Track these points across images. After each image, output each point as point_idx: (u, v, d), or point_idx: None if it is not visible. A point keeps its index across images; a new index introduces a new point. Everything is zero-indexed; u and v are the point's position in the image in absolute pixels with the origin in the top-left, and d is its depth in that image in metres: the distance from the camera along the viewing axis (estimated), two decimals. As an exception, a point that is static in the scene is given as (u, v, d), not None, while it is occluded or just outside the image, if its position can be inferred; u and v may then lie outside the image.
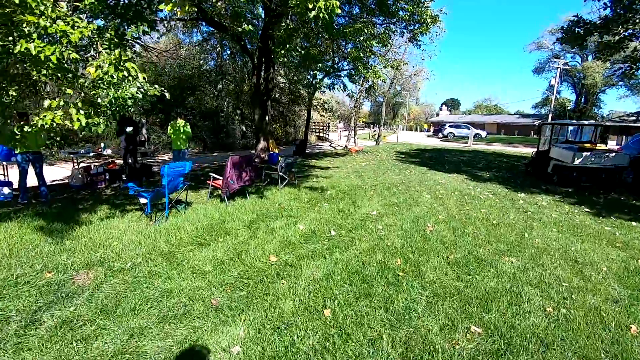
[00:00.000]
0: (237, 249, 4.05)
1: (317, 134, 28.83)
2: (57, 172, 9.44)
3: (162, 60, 20.24)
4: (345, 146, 18.83)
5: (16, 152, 6.00)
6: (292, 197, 6.74)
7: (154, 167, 9.70)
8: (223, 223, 4.95)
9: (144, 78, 3.79)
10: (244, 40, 8.29)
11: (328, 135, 27.08)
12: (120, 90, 3.85)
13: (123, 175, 7.98)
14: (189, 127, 9.61)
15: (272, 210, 5.81)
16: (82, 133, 3.78)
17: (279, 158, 12.37)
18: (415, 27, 9.63)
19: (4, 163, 6.59)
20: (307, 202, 6.45)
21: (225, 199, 5.95)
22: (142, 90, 4.09)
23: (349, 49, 6.74)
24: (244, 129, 22.50)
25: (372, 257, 3.91)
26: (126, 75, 3.40)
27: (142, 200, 4.98)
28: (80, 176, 7.48)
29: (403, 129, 50.26)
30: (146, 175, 8.51)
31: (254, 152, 12.79)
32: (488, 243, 4.52)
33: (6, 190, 6.45)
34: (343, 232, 4.81)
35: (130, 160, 7.82)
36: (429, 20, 8.86)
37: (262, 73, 11.53)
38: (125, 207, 5.71)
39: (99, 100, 3.80)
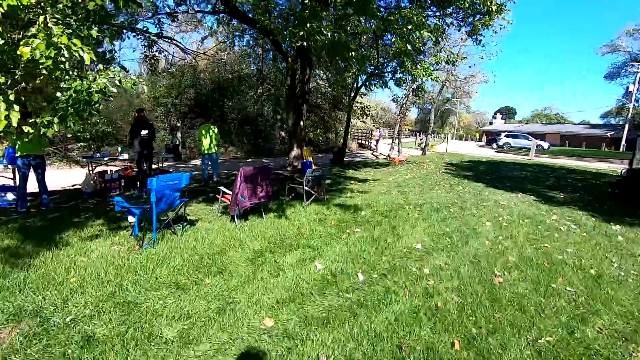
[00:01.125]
0: (224, 299, 2.95)
1: (359, 142, 27.52)
2: (75, 176, 9.09)
3: (202, 64, 20.22)
4: (388, 155, 17.37)
5: (16, 155, 5.46)
6: (318, 218, 5.56)
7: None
8: (221, 254, 3.89)
9: (103, 66, 2.84)
10: (273, 36, 7.31)
11: (370, 143, 25.66)
12: (85, 81, 2.96)
13: (138, 183, 7.32)
14: (217, 130, 8.96)
15: (289, 235, 4.67)
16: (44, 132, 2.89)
17: (312, 167, 11.32)
18: (476, 19, 8.11)
19: (11, 166, 6.14)
20: (335, 225, 5.24)
21: (235, 218, 4.92)
22: (116, 82, 3.18)
23: (393, 40, 5.51)
24: (284, 134, 21.81)
25: (414, 331, 2.61)
26: (66, 56, 2.44)
27: (130, 219, 4.08)
28: (92, 182, 6.91)
29: (452, 138, 47.33)
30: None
31: (287, 159, 11.83)
32: (594, 313, 3.00)
33: (10, 196, 5.96)
34: (375, 277, 3.53)
35: (144, 167, 7.14)
36: (493, 8, 7.32)
37: (298, 74, 10.56)
38: (121, 222, 4.89)
39: (58, 93, 2.93)
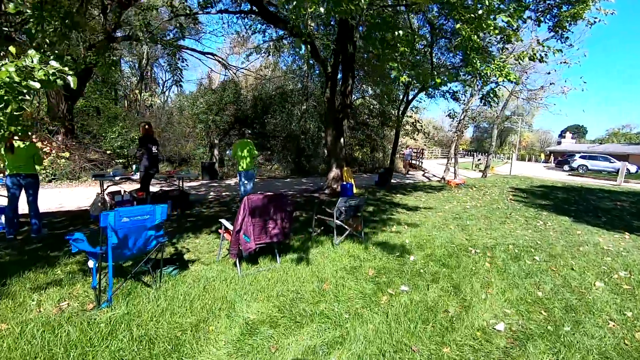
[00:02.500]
0: None
1: (409, 161, 25.58)
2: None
3: (246, 80, 19.98)
4: (443, 178, 15.41)
5: (6, 173, 4.78)
6: (349, 265, 4.14)
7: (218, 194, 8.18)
8: (193, 329, 2.64)
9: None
10: (308, 38, 6.20)
11: (422, 162, 23.65)
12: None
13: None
14: (252, 146, 8.10)
15: (306, 293, 3.32)
16: None
17: (354, 190, 9.92)
18: (564, 9, 6.38)
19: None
20: (372, 280, 3.78)
21: (237, 263, 3.68)
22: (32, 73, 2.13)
23: (457, 28, 4.08)
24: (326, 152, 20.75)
25: None
26: None
27: (90, 264, 3.00)
28: (100, 204, 6.15)
29: (514, 159, 43.30)
30: (181, 206, 6.89)
31: (324, 180, 10.58)
32: None
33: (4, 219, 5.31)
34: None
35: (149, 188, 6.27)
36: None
37: (339, 86, 9.40)
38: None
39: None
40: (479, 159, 30.61)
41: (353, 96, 10.83)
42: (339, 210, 4.84)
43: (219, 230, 4.28)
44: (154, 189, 8.14)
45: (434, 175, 18.66)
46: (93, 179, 6.67)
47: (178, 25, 7.85)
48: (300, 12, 4.00)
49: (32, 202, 4.93)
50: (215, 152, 14.17)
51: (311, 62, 19.96)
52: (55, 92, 11.48)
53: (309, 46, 8.07)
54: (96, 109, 16.53)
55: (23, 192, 4.88)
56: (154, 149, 5.95)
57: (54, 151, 11.00)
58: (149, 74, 28.06)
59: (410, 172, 20.85)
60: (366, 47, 11.01)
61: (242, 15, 8.52)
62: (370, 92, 19.22)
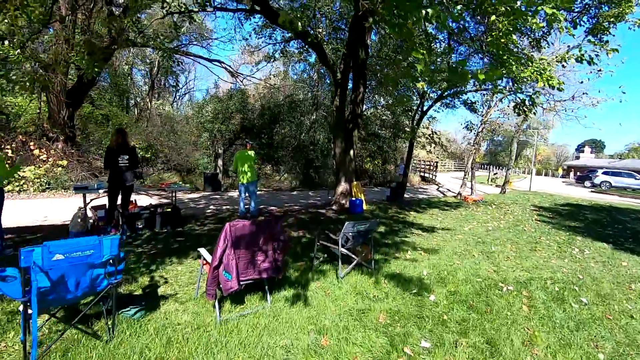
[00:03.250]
0: None
1: (421, 174, 24.70)
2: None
3: (254, 88, 19.54)
4: (459, 193, 14.51)
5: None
6: (356, 310, 3.37)
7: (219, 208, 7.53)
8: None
9: None
10: (315, 39, 5.56)
11: (435, 176, 22.74)
12: None
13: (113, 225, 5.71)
14: (254, 155, 7.59)
15: (297, 354, 2.57)
16: None
17: (364, 206, 9.15)
18: (605, 10, 5.63)
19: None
20: (383, 330, 3.01)
21: (216, 305, 2.96)
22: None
23: (492, 20, 3.38)
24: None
25: None
26: None
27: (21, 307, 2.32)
28: (80, 220, 5.53)
29: (531, 173, 41.90)
30: (172, 223, 6.23)
31: (332, 195, 9.85)
32: None
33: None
34: None
35: (118, 206, 5.60)
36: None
37: (349, 94, 8.74)
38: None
39: None
40: (495, 173, 29.54)
41: (364, 106, 10.13)
42: (346, 236, 4.10)
43: (199, 260, 3.58)
44: (143, 202, 7.54)
45: (448, 190, 17.74)
46: (74, 191, 6.01)
47: (172, 24, 7.34)
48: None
49: (-6, 219, 4.34)
50: (220, 162, 13.61)
51: (322, 70, 19.48)
52: (56, 97, 11.13)
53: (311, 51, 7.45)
54: (105, 117, 16.24)
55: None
56: (120, 159, 5.29)
57: (51, 159, 10.57)
58: (161, 82, 28.08)
59: (422, 187, 19.98)
60: (382, 49, 10.34)
61: (245, 14, 7.96)
62: (383, 103, 18.57)
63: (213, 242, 5.17)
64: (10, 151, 10.36)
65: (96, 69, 5.05)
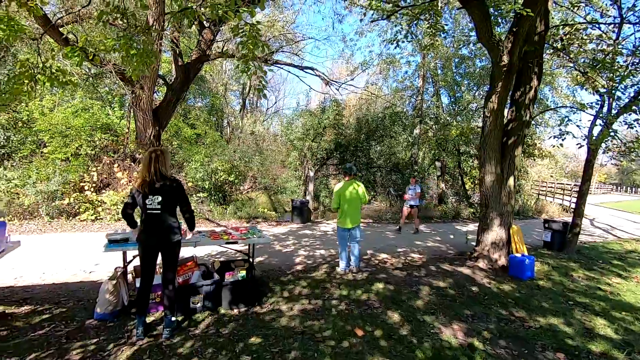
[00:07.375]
0: None
1: (560, 202, 19.46)
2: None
3: (350, 100, 17.42)
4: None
5: None
6: None
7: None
8: None
9: None
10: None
11: (581, 204, 17.38)
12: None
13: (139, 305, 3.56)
14: (363, 190, 5.10)
15: None
16: None
17: (534, 269, 5.74)
18: None
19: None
20: None
21: None
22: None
23: None
24: (444, 187, 16.58)
25: None
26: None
27: None
28: (109, 297, 3.51)
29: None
30: (245, 298, 3.92)
31: (469, 238, 6.68)
32: None
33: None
34: None
35: (160, 271, 3.36)
36: None
37: (509, 89, 5.66)
38: None
39: None
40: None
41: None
42: None
43: None
44: (203, 251, 5.48)
45: (611, 227, 12.84)
46: (108, 247, 3.90)
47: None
48: None
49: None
50: (310, 187, 11.42)
51: (428, 74, 16.45)
52: (142, 115, 10.31)
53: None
54: (197, 136, 15.72)
55: None
56: (149, 201, 3.05)
57: (131, 183, 9.61)
58: (252, 101, 28.12)
59: (562, 217, 15.14)
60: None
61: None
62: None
63: (309, 343, 2.57)
64: (95, 174, 9.66)
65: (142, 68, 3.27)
